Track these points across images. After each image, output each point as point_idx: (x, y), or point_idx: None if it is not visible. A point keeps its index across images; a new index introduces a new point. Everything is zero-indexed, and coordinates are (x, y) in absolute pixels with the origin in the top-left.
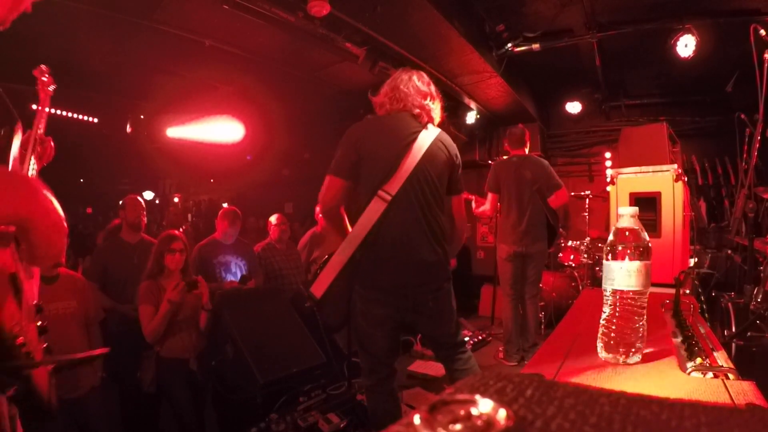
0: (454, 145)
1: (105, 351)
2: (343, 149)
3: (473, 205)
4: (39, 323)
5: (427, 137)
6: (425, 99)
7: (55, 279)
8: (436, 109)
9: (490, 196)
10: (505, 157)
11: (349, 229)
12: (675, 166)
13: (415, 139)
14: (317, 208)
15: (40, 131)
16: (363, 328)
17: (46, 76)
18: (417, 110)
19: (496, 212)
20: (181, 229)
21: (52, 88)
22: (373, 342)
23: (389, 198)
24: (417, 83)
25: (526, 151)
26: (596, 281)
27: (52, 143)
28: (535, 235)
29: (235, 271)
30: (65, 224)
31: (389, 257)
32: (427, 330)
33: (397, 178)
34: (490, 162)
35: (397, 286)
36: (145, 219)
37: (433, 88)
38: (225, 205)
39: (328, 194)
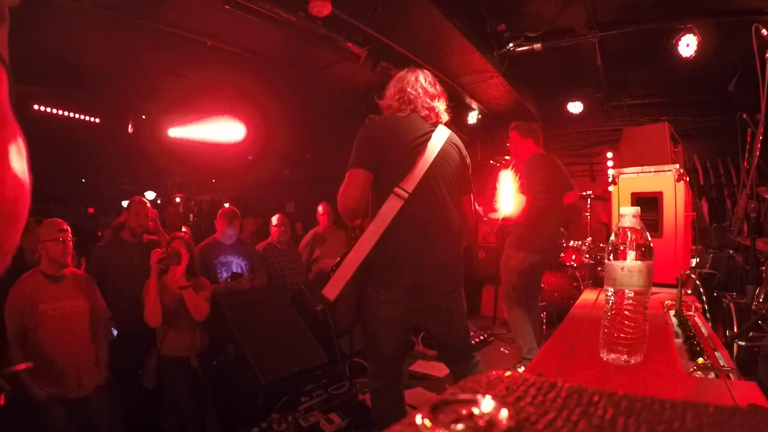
0: (463, 146)
1: None
2: (360, 146)
3: (479, 209)
4: None
5: (440, 137)
6: (433, 100)
7: (61, 278)
8: (443, 109)
9: (523, 199)
10: (538, 154)
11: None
12: (677, 165)
13: (428, 139)
14: (319, 208)
15: None
16: (372, 331)
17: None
18: (426, 112)
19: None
20: (183, 230)
21: None
22: (382, 345)
23: (405, 195)
24: (425, 84)
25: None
26: (598, 281)
27: None
28: (558, 241)
29: (235, 270)
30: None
31: (405, 256)
32: (438, 333)
33: (413, 176)
34: (491, 162)
35: (412, 286)
36: (152, 224)
37: (438, 87)
38: (226, 205)
39: (353, 187)
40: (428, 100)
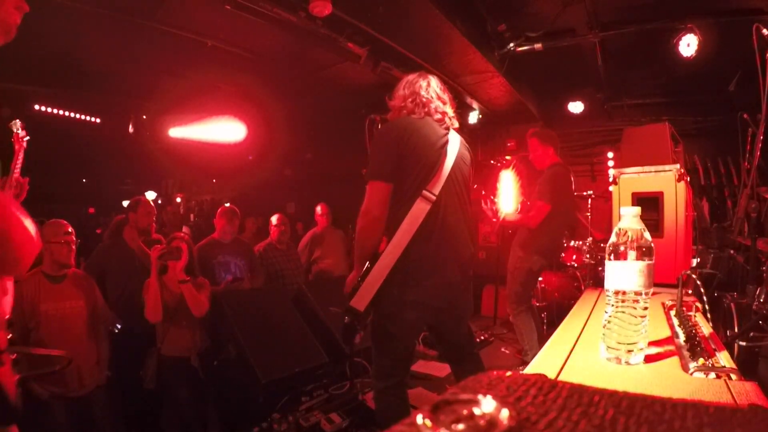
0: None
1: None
2: (382, 151)
3: (488, 211)
4: (9, 336)
5: (455, 140)
6: (445, 105)
7: (62, 278)
8: (452, 114)
9: (544, 206)
10: (558, 163)
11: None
12: (677, 165)
13: (446, 141)
14: (318, 209)
15: (16, 175)
16: (388, 332)
17: (21, 129)
18: (439, 116)
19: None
20: (183, 230)
21: (26, 139)
22: (396, 345)
23: (433, 198)
24: (437, 89)
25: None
26: (598, 281)
27: (27, 186)
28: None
29: (235, 271)
30: (35, 241)
31: (435, 257)
32: (448, 329)
33: (439, 178)
34: (492, 162)
35: (440, 285)
36: (155, 224)
37: (448, 94)
38: (227, 204)
39: (378, 201)
40: (441, 105)
